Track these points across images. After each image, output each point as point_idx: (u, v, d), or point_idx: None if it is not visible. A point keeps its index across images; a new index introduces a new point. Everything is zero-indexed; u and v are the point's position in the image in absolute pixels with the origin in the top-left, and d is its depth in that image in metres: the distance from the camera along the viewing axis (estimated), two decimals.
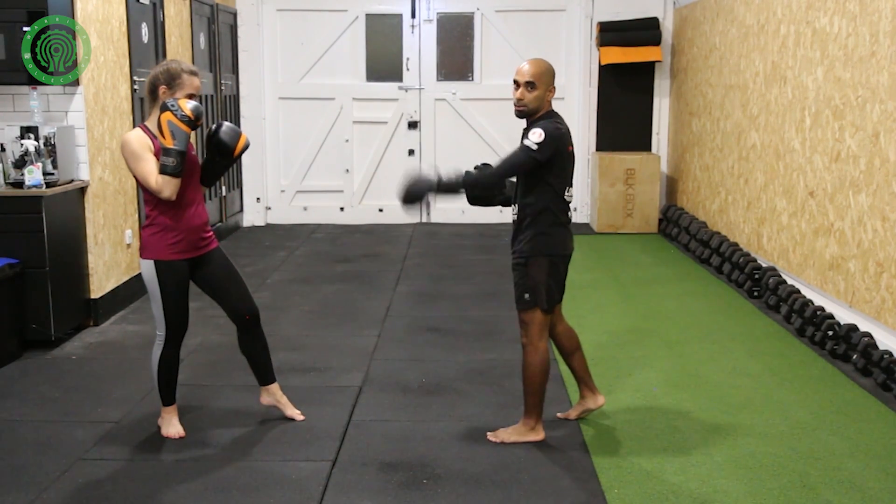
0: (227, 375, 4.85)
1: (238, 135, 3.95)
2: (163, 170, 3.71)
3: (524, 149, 3.73)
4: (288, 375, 4.87)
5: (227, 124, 3.97)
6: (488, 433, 4.03)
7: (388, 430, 4.13)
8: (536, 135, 3.72)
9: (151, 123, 3.82)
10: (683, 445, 3.95)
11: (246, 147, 3.99)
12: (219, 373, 4.93)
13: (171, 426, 4.05)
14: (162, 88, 3.80)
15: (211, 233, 4.05)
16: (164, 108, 3.69)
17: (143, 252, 3.88)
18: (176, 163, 3.70)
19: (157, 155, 3.75)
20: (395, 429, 4.14)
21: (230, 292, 4.06)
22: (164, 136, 3.69)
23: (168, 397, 4.04)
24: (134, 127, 6.37)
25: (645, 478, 3.64)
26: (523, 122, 3.89)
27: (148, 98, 3.88)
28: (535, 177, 3.79)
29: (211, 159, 3.99)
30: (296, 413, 4.24)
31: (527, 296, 3.85)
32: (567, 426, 4.17)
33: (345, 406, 4.42)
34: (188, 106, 3.70)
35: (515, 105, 3.85)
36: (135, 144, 3.76)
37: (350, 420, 4.25)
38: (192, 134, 3.88)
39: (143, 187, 3.81)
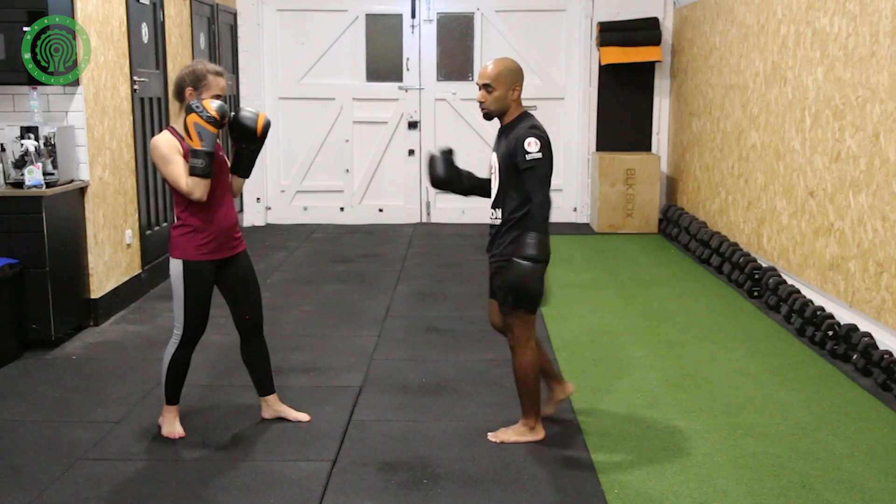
0: (227, 375, 4.85)
1: (256, 115, 3.97)
2: (192, 171, 3.72)
3: (538, 164, 3.70)
4: (288, 375, 4.87)
5: (244, 108, 4.00)
6: (488, 433, 4.04)
7: (388, 430, 4.13)
8: (533, 145, 3.70)
9: (179, 125, 3.82)
10: (683, 445, 3.95)
11: (267, 125, 3.99)
12: (219, 373, 4.93)
13: (173, 426, 4.05)
14: (188, 90, 3.82)
15: (240, 234, 4.06)
16: (189, 110, 3.70)
17: (172, 251, 3.90)
18: (205, 164, 3.71)
19: (185, 157, 3.76)
20: (395, 429, 4.14)
21: (242, 298, 4.07)
22: (190, 139, 3.70)
23: (173, 396, 4.04)
24: (141, 128, 6.41)
25: (645, 478, 3.64)
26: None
27: (175, 100, 3.90)
28: (519, 181, 3.78)
29: (238, 148, 4.01)
30: (301, 416, 4.24)
31: (511, 298, 3.83)
32: (567, 426, 4.17)
33: (345, 406, 4.42)
34: (213, 106, 3.70)
35: (480, 108, 3.88)
36: (163, 147, 3.78)
37: (350, 420, 4.25)
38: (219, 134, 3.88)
39: (173, 189, 3.83)
